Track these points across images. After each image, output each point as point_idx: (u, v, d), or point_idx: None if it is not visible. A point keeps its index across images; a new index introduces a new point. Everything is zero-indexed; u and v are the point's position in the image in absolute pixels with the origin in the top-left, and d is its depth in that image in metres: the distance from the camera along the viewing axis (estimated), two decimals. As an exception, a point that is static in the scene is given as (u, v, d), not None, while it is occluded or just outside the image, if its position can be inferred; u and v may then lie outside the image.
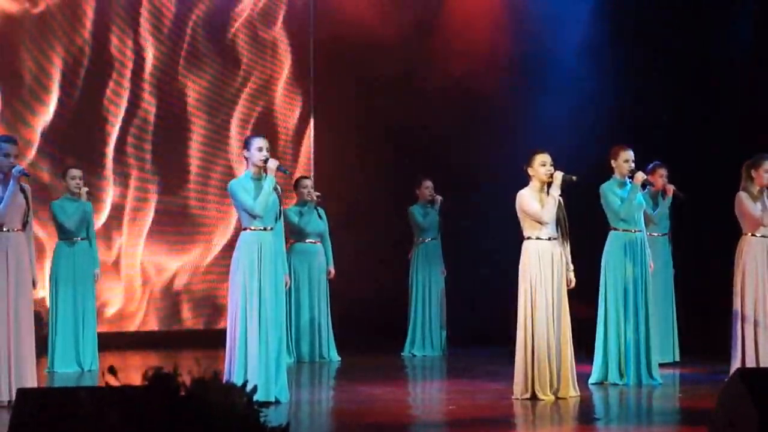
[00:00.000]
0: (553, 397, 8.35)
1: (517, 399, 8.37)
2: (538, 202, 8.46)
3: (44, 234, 11.99)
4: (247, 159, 8.29)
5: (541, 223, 8.43)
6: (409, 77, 13.54)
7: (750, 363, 8.85)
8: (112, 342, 12.06)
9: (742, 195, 9.06)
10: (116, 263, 13.11)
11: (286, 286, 8.58)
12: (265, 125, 13.74)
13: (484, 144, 12.91)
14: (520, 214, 8.52)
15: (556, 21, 12.82)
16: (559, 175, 8.45)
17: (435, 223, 12.20)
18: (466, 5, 13.56)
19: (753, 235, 9.06)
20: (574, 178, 8.50)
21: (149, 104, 13.40)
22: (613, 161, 9.41)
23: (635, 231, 9.41)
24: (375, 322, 13.27)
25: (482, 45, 13.14)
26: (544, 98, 12.58)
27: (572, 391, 8.51)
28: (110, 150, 13.05)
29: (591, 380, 9.27)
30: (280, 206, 8.35)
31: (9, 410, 7.30)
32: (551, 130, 11.81)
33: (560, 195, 8.48)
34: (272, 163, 8.18)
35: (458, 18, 13.50)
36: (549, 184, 8.47)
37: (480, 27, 13.28)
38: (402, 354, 12.19)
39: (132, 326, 13.18)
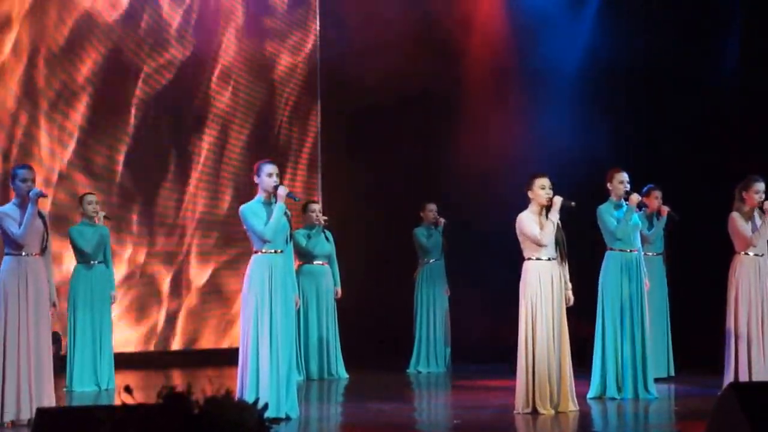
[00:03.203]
0: (553, 411, 8.45)
1: (519, 413, 8.47)
2: (537, 225, 8.54)
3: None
4: (257, 184, 8.32)
5: (539, 245, 8.57)
6: (414, 103, 13.66)
7: (743, 379, 8.88)
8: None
9: (735, 215, 9.19)
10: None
11: (295, 306, 8.63)
12: (275, 152, 13.87)
13: (485, 167, 12.94)
14: (519, 236, 8.61)
15: (555, 47, 12.92)
16: (558, 201, 8.54)
17: (438, 245, 12.30)
18: (468, 29, 13.73)
19: (746, 254, 9.18)
20: (573, 204, 8.59)
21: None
22: (608, 183, 9.52)
23: (631, 251, 9.51)
24: (381, 341, 13.43)
25: (484, 70, 13.32)
26: (543, 121, 12.70)
27: (571, 406, 8.60)
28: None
29: (589, 395, 9.38)
30: (290, 229, 8.33)
31: (29, 429, 7.54)
32: (550, 153, 11.94)
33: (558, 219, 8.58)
34: (282, 190, 8.18)
35: (461, 44, 13.66)
36: (548, 208, 8.57)
37: (481, 53, 13.44)
38: (408, 371, 12.28)
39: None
